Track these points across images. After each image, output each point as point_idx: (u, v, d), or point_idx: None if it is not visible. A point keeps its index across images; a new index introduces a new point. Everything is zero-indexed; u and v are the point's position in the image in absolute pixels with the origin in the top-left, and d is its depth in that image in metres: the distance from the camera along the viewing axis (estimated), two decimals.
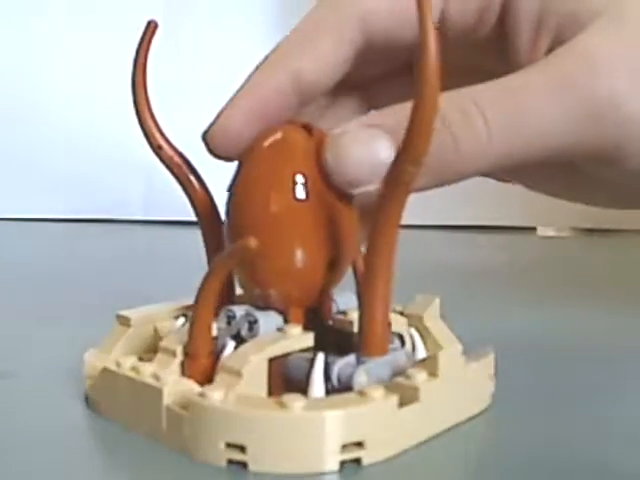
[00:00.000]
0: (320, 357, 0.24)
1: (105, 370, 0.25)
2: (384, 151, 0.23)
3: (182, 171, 0.27)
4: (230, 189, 0.26)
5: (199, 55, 0.74)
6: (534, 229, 0.72)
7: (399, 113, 0.24)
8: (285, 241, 0.25)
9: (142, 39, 0.27)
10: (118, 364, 0.25)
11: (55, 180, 0.72)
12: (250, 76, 0.26)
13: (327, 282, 0.25)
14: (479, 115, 0.23)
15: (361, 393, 0.22)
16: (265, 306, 0.26)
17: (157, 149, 0.27)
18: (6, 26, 0.73)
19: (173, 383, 0.23)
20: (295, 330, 0.24)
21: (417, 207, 0.68)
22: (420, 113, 0.21)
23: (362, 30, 0.26)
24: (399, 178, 0.22)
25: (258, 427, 0.21)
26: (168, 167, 0.27)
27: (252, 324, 0.25)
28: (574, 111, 0.24)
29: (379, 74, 0.30)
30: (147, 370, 0.24)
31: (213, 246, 0.27)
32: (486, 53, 0.28)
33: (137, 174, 0.69)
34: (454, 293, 0.46)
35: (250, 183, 0.25)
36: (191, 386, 0.23)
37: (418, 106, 0.21)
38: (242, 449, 0.21)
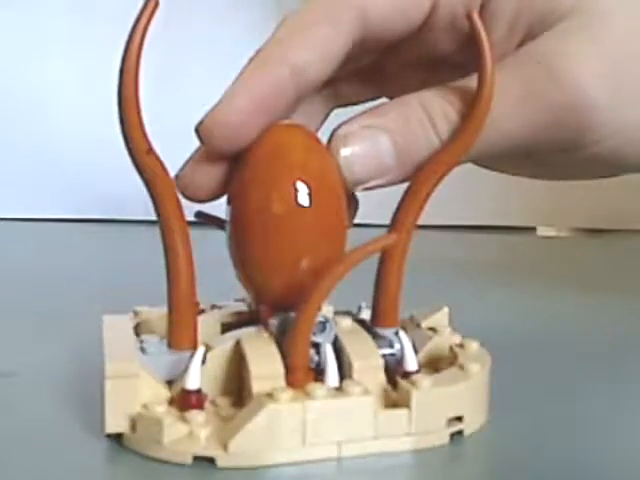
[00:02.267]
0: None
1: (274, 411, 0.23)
2: (386, 149, 0.25)
3: (163, 181, 0.25)
4: (230, 192, 0.26)
5: (196, 51, 0.74)
6: (534, 229, 0.72)
7: (396, 111, 0.25)
8: (288, 245, 0.25)
9: (138, 20, 0.23)
10: (277, 398, 0.23)
11: (55, 180, 0.72)
12: (246, 68, 0.26)
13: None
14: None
15: (461, 367, 0.26)
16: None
17: (145, 153, 0.24)
18: (10, 27, 0.73)
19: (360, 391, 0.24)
20: (346, 322, 0.27)
21: None
22: (478, 110, 0.24)
23: (360, 20, 0.26)
24: (448, 166, 0.25)
25: (470, 397, 0.25)
26: (149, 175, 0.25)
27: (321, 325, 0.25)
28: (537, 117, 0.25)
29: (350, 70, 0.29)
30: (320, 392, 0.23)
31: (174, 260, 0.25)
32: (464, 46, 0.28)
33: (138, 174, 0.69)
34: (454, 293, 0.46)
35: (252, 186, 0.25)
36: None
37: (476, 104, 0.24)
38: (459, 419, 0.25)
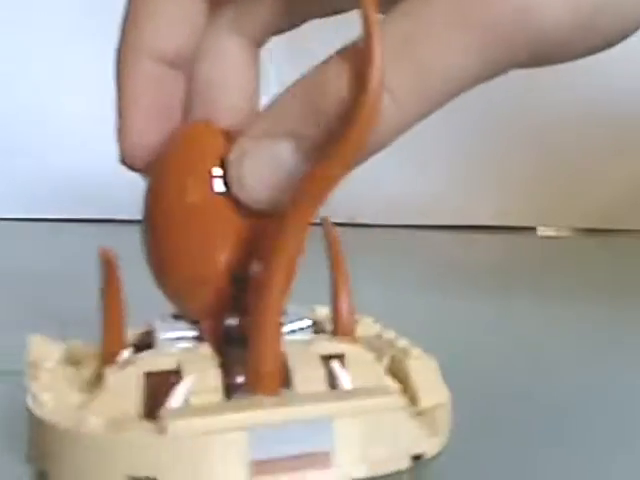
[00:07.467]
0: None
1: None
2: (290, 162, 0.21)
3: None
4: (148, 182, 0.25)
5: None
6: (534, 229, 0.72)
7: (295, 107, 0.21)
8: (201, 239, 0.23)
9: None
10: None
11: (55, 180, 0.72)
12: (119, 74, 0.23)
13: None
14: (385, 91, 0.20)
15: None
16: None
17: None
18: (8, 28, 0.73)
19: None
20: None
21: (416, 207, 0.67)
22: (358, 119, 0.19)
23: None
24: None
25: None
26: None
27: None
28: (479, 50, 0.20)
29: None
30: None
31: None
32: None
33: (137, 174, 0.69)
34: (454, 293, 0.46)
35: (165, 174, 0.24)
36: None
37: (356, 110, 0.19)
38: None
